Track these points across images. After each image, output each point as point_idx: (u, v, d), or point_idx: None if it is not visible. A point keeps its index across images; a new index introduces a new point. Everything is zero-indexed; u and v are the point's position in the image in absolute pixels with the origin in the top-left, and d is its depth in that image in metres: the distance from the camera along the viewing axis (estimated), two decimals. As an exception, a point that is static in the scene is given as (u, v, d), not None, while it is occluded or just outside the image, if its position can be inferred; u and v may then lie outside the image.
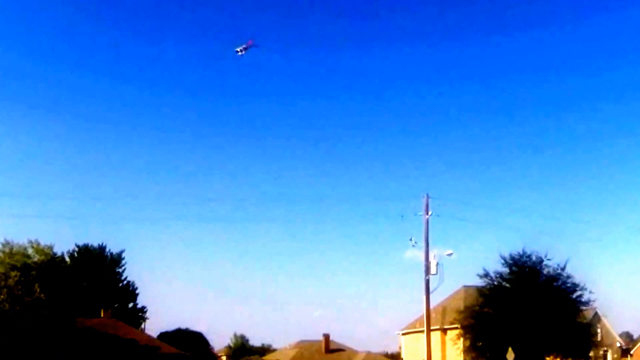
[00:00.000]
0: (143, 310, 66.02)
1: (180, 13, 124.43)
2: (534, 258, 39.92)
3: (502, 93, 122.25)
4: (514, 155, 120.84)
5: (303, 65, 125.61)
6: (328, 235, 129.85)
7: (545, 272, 39.98)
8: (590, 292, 39.56)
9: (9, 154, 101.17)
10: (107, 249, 65.70)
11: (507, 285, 39.91)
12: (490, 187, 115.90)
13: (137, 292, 66.21)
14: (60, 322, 41.90)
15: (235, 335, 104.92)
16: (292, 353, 78.37)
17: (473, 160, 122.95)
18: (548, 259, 39.88)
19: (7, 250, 56.13)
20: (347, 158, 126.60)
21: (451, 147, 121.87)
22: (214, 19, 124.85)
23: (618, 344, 68.08)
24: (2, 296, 40.97)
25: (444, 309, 51.80)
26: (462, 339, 42.85)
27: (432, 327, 40.30)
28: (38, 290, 42.81)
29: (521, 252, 40.01)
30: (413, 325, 55.93)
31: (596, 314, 59.15)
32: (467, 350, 42.36)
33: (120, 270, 66.07)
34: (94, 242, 65.23)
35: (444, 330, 50.58)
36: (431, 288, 36.96)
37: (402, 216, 38.62)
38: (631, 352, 71.54)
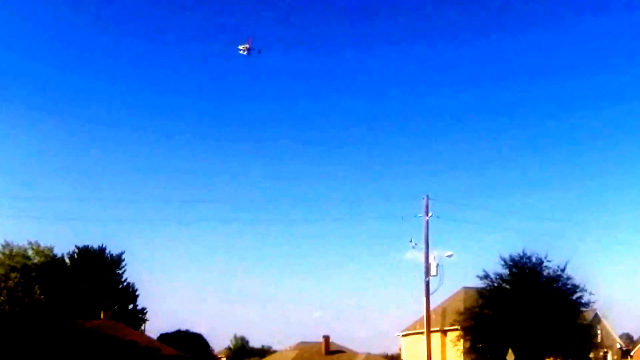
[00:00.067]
0: (143, 311, 66.03)
1: (181, 14, 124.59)
2: (534, 259, 39.99)
3: (502, 94, 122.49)
4: (514, 157, 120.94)
5: (302, 66, 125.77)
6: (328, 236, 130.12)
7: (545, 273, 40.02)
8: (591, 293, 39.69)
9: (9, 155, 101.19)
10: (107, 251, 65.75)
11: (507, 286, 39.94)
12: (490, 188, 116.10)
13: (137, 293, 66.25)
14: (61, 324, 41.89)
15: (235, 336, 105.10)
16: (292, 355, 78.34)
17: (473, 161, 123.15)
18: (548, 261, 40.00)
19: (7, 251, 56.14)
20: (347, 159, 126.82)
21: (451, 148, 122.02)
22: (214, 20, 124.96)
23: (618, 345, 68.09)
24: (1, 297, 40.97)
25: (444, 311, 51.78)
26: (462, 340, 42.84)
27: (432, 329, 40.29)
28: (38, 291, 42.81)
29: (521, 254, 40.12)
30: (413, 326, 55.91)
31: (596, 315, 59.17)
32: (467, 352, 42.35)
33: (120, 271, 66.08)
34: (94, 244, 65.33)
35: (444, 332, 50.56)
36: (431, 289, 36.99)
37: (402, 217, 38.74)
38: (631, 354, 71.53)
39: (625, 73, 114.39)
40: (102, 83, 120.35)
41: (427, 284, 36.77)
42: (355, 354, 77.46)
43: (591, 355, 43.90)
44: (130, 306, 65.28)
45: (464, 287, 52.21)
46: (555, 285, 39.55)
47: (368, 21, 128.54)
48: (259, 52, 33.48)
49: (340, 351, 77.23)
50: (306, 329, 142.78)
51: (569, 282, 39.57)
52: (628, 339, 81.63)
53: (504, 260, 40.08)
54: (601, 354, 61.48)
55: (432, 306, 40.59)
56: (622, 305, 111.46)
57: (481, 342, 39.62)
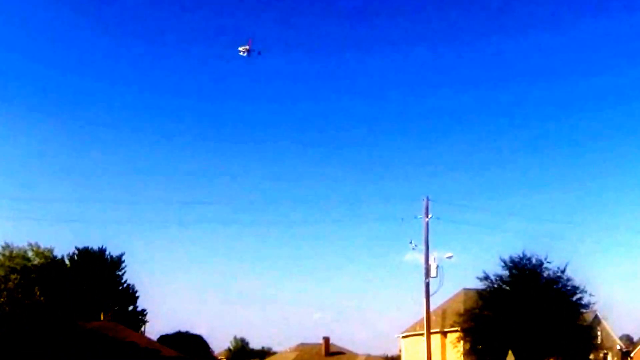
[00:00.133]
0: (143, 313, 66.04)
1: (181, 15, 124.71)
2: (534, 261, 39.97)
3: (502, 95, 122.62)
4: (514, 158, 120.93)
5: (302, 67, 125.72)
6: (328, 237, 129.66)
7: (545, 274, 40.00)
8: (591, 294, 39.67)
9: (9, 157, 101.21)
10: (107, 252, 65.74)
11: (507, 288, 39.93)
12: (490, 189, 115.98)
13: (137, 295, 66.23)
14: (61, 325, 41.93)
15: (235, 338, 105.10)
16: (292, 356, 78.33)
17: (473, 162, 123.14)
18: (548, 262, 39.97)
19: (7, 253, 56.22)
20: (347, 160, 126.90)
21: (451, 149, 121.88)
22: (214, 22, 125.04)
23: (618, 347, 68.01)
24: (2, 299, 41.02)
25: (444, 312, 51.76)
26: (462, 341, 42.83)
27: (432, 330, 40.29)
28: (38, 293, 42.88)
29: (521, 255, 40.10)
30: (413, 328, 55.88)
31: (596, 316, 59.11)
32: (467, 353, 42.34)
33: (120, 273, 66.08)
34: (94, 245, 65.31)
35: (444, 333, 50.54)
36: (431, 291, 37.02)
37: (402, 219, 38.76)
38: (631, 355, 71.45)
39: (625, 74, 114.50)
40: (102, 84, 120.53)
41: (427, 285, 36.78)
42: (355, 355, 77.46)
43: (591, 356, 43.86)
44: (130, 307, 65.27)
45: (464, 289, 52.21)
46: (555, 286, 39.54)
47: (368, 23, 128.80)
48: (259, 53, 33.53)
49: (340, 352, 77.24)
50: (306, 330, 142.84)
51: (569, 283, 39.58)
52: (628, 340, 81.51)
53: (504, 262, 40.11)
54: (601, 355, 61.39)
55: (432, 307, 40.61)
56: (622, 307, 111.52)
57: (481, 344, 39.61)
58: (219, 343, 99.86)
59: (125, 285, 65.99)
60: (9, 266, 52.83)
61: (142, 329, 64.05)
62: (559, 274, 39.71)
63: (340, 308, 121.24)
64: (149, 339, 53.83)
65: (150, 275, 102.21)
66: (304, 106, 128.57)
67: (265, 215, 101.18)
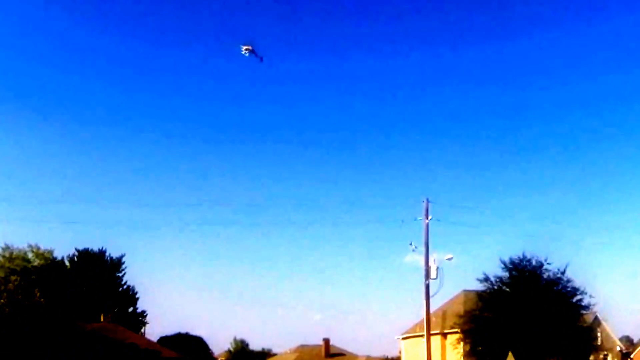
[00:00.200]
0: (143, 314, 66.07)
1: (181, 15, 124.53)
2: (533, 262, 39.96)
3: (502, 96, 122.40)
4: (514, 159, 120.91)
5: (302, 68, 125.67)
6: (328, 239, 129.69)
7: (545, 276, 39.99)
8: (591, 296, 39.66)
9: (8, 158, 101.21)
10: (107, 253, 65.77)
11: (507, 289, 39.92)
12: (490, 191, 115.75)
13: (137, 296, 66.26)
14: (61, 326, 41.93)
15: (235, 339, 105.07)
16: (292, 357, 78.45)
17: (473, 164, 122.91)
18: (548, 263, 39.95)
19: (7, 254, 56.23)
20: (346, 161, 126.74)
21: (451, 151, 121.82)
22: (215, 22, 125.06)
23: (618, 348, 68.00)
24: (1, 300, 41.01)
25: (444, 314, 51.79)
26: (462, 343, 42.83)
27: (432, 332, 40.29)
28: (38, 294, 42.86)
29: (521, 256, 40.08)
30: (413, 329, 55.91)
31: (596, 318, 59.09)
32: (467, 355, 42.35)
33: (120, 274, 66.10)
34: (94, 247, 65.35)
35: (444, 335, 50.57)
36: (431, 292, 37.04)
37: (402, 221, 38.76)
38: (631, 356, 71.45)
39: (625, 75, 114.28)
40: (102, 85, 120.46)
41: (427, 286, 36.80)
42: (355, 356, 77.52)
43: (591, 358, 43.86)
44: (130, 309, 65.30)
45: (464, 290, 52.23)
46: (555, 288, 39.53)
47: (368, 23, 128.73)
48: (261, 60, 33.27)
49: (340, 354, 77.34)
50: (306, 331, 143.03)
51: (569, 284, 39.56)
52: (628, 341, 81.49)
53: (504, 263, 40.11)
54: (601, 356, 61.38)
55: (432, 309, 40.62)
56: (622, 308, 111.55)
57: (481, 345, 39.61)
58: (219, 344, 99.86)
59: (125, 286, 66.02)
60: (9, 267, 52.83)
61: (142, 330, 64.07)
62: (559, 275, 39.72)
63: (340, 309, 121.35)
64: (149, 341, 53.85)
65: (150, 276, 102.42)
66: (303, 107, 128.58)
67: (265, 216, 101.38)
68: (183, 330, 73.64)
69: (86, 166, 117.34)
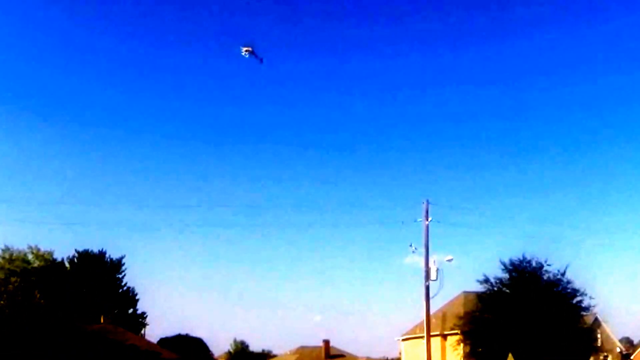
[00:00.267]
0: (143, 315, 66.04)
1: (182, 16, 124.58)
2: (534, 263, 39.99)
3: (502, 97, 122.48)
4: (514, 161, 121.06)
5: (302, 69, 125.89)
6: (328, 240, 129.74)
7: (545, 277, 40.01)
8: (591, 297, 39.72)
9: (8, 159, 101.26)
10: (107, 255, 65.75)
11: (507, 290, 39.93)
12: (490, 192, 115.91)
13: (137, 297, 66.24)
14: (61, 327, 41.96)
15: (235, 340, 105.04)
16: (292, 359, 78.43)
17: (473, 165, 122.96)
18: (548, 265, 39.99)
19: (7, 256, 56.23)
20: (347, 163, 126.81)
21: (451, 152, 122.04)
22: (215, 23, 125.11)
23: (618, 350, 67.96)
24: (2, 301, 41.02)
25: (444, 315, 51.76)
26: (462, 344, 42.84)
27: (432, 333, 40.26)
28: (38, 295, 42.88)
29: (521, 258, 40.13)
30: (413, 330, 55.86)
31: (596, 319, 59.06)
32: (467, 356, 42.35)
33: (120, 275, 66.08)
34: (94, 248, 65.30)
35: (444, 336, 50.53)
36: (431, 294, 37.01)
37: (402, 222, 38.75)
38: (631, 358, 71.43)
39: (625, 76, 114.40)
40: (102, 86, 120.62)
41: (427, 288, 36.80)
42: (355, 357, 77.55)
43: (591, 359, 43.83)
44: (130, 310, 65.27)
45: (464, 292, 52.21)
46: (555, 289, 39.54)
47: (368, 24, 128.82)
48: (261, 61, 33.31)
49: (340, 355, 77.34)
50: (306, 333, 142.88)
51: (569, 286, 39.59)
52: (628, 342, 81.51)
53: (504, 265, 40.15)
54: (601, 358, 61.32)
55: (432, 310, 40.57)
56: (622, 309, 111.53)
57: (481, 347, 39.62)
58: (219, 346, 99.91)
59: (125, 288, 65.99)
60: (9, 269, 52.85)
61: (142, 331, 64.05)
62: (559, 276, 39.75)
63: (340, 311, 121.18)
64: (149, 342, 53.82)
65: (150, 278, 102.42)
66: (303, 108, 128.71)
67: (265, 217, 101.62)
68: (183, 332, 73.69)
69: (86, 167, 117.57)
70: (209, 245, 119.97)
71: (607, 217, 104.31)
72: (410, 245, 37.59)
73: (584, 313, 41.46)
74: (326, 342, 77.67)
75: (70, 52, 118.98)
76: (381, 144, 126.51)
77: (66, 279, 57.71)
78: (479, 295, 41.44)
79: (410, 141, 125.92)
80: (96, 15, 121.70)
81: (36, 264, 56.93)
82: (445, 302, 52.88)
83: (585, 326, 43.48)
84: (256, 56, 32.42)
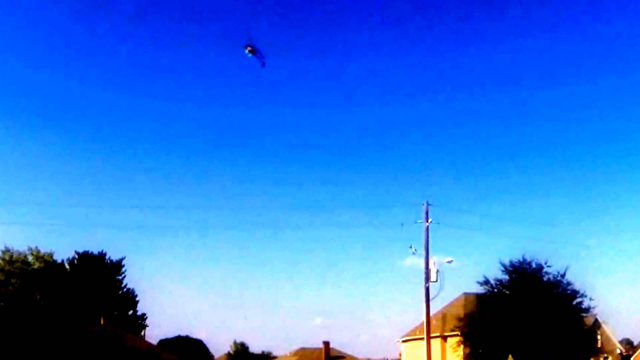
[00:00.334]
0: (143, 317, 65.99)
1: (183, 19, 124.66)
2: (533, 265, 39.97)
3: (503, 99, 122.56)
4: (514, 162, 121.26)
5: (302, 72, 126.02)
6: (328, 242, 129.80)
7: (545, 279, 39.99)
8: (591, 298, 39.67)
9: (8, 160, 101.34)
10: (107, 256, 65.70)
11: (507, 292, 39.92)
12: (490, 194, 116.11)
13: (137, 299, 66.20)
14: (61, 328, 41.94)
15: (235, 342, 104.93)
16: (292, 360, 78.31)
17: (473, 167, 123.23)
18: (548, 266, 39.97)
19: (7, 257, 56.22)
20: (347, 165, 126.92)
21: (451, 154, 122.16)
22: (215, 24, 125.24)
23: (618, 351, 67.96)
24: (1, 303, 41.02)
25: (444, 316, 51.78)
26: (462, 346, 42.82)
27: (432, 334, 40.30)
28: (38, 297, 42.87)
29: (521, 259, 40.12)
30: (413, 332, 55.87)
31: (596, 320, 59.05)
32: (467, 358, 42.28)
33: (120, 277, 66.04)
34: (94, 249, 65.27)
35: (444, 338, 50.53)
36: (431, 295, 37.07)
37: (402, 224, 38.78)
38: (631, 359, 71.43)
39: (625, 77, 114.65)
40: (101, 87, 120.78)
41: (427, 289, 36.83)
42: (355, 359, 77.52)
43: (591, 360, 43.81)
44: (130, 312, 65.23)
45: (464, 293, 52.22)
46: (555, 290, 39.52)
47: (369, 25, 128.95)
48: (263, 64, 33.21)
49: (340, 357, 77.31)
50: (306, 334, 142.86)
51: (569, 287, 39.57)
52: (628, 344, 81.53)
53: (504, 266, 40.13)
54: (601, 359, 61.34)
55: (432, 312, 40.61)
56: (622, 311, 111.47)
57: (481, 348, 39.58)
58: (219, 347, 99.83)
59: (125, 289, 65.95)
60: (9, 270, 52.84)
61: (142, 333, 64.01)
62: (559, 278, 39.73)
63: (340, 312, 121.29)
64: (149, 344, 53.79)
65: (150, 279, 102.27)
66: (303, 110, 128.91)
67: (265, 219, 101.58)
68: (183, 333, 73.65)
69: (86, 169, 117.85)
70: (209, 247, 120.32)
71: (607, 218, 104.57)
72: (410, 247, 37.71)
73: (584, 314, 41.43)
74: (326, 344, 77.63)
75: (70, 53, 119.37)
76: (381, 145, 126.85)
77: (66, 281, 57.68)
78: (479, 297, 41.44)
79: (411, 143, 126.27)
80: (97, 16, 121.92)
81: (36, 265, 56.90)
82: (446, 303, 52.95)
83: (585, 327, 43.46)
84: (258, 58, 32.35)
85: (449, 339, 49.05)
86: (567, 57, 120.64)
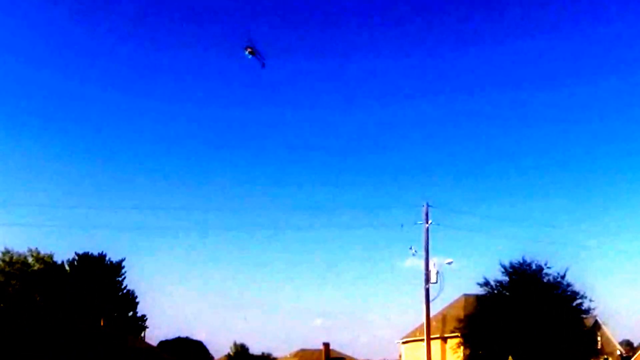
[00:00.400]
0: (143, 318, 65.98)
1: (183, 20, 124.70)
2: (533, 266, 39.98)
3: (503, 100, 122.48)
4: (514, 164, 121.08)
5: (302, 73, 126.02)
6: (328, 243, 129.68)
7: (545, 280, 40.00)
8: (591, 300, 39.68)
9: (8, 161, 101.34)
10: (107, 258, 65.71)
11: (507, 293, 39.93)
12: (490, 195, 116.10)
13: (137, 300, 66.19)
14: (61, 328, 41.94)
15: (235, 343, 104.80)
16: (292, 361, 78.29)
17: (473, 168, 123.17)
18: (548, 267, 39.98)
19: (7, 258, 56.22)
20: (347, 166, 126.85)
21: (451, 155, 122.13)
22: (215, 25, 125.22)
23: (618, 352, 67.93)
24: (1, 304, 41.01)
25: (444, 318, 51.76)
26: (462, 347, 42.80)
27: (432, 336, 40.29)
28: (38, 298, 42.87)
29: (521, 261, 40.14)
30: (413, 333, 55.86)
31: (596, 322, 59.00)
32: (467, 359, 42.31)
33: (120, 278, 66.05)
34: (94, 251, 65.28)
35: (444, 339, 50.51)
36: (431, 296, 37.07)
37: (402, 225, 38.80)
38: (631, 360, 71.40)
39: (625, 78, 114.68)
40: (102, 88, 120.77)
41: (427, 291, 36.83)
42: (355, 360, 77.45)
43: (591, 361, 43.79)
44: (130, 313, 65.23)
45: (464, 294, 52.20)
46: (555, 292, 39.51)
47: (369, 26, 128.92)
48: (263, 65, 33.21)
49: (340, 358, 77.32)
50: (306, 336, 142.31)
51: (569, 288, 39.56)
52: (628, 345, 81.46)
53: (504, 267, 40.16)
54: (601, 360, 61.35)
55: (432, 313, 40.60)
56: (622, 312, 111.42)
57: (481, 349, 39.58)
58: (219, 349, 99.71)
59: (125, 290, 65.96)
60: (9, 272, 52.84)
61: (142, 334, 64.02)
62: (559, 279, 39.73)
63: (340, 314, 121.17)
64: (148, 345, 53.79)
65: (150, 280, 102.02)
66: (304, 111, 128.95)
67: (265, 220, 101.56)
68: (183, 335, 73.68)
69: (86, 170, 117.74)
70: (209, 248, 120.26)
71: (607, 219, 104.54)
72: (411, 248, 37.74)
73: (584, 316, 41.42)
74: (326, 345, 77.61)
75: (70, 53, 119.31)
76: (381, 146, 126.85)
77: (66, 282, 57.70)
78: (479, 298, 41.44)
79: (411, 144, 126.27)
80: (97, 17, 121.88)
81: (36, 266, 56.90)
82: (446, 304, 52.93)
83: (586, 329, 43.44)
84: (258, 59, 32.35)
85: (449, 340, 49.04)
86: (567, 58, 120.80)
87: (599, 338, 59.08)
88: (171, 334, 72.80)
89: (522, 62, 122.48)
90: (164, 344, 66.05)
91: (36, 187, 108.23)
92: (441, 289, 37.13)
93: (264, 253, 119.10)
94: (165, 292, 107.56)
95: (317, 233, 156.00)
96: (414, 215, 38.29)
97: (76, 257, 64.61)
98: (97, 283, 61.31)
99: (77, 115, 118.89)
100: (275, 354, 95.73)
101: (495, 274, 40.35)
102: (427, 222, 37.49)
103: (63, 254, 63.79)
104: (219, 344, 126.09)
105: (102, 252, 65.52)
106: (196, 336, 75.88)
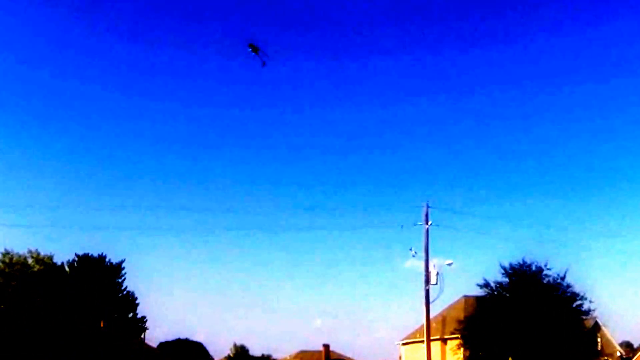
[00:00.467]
0: (143, 320, 65.83)
1: (183, 19, 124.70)
2: (533, 267, 40.02)
3: (503, 100, 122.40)
4: (515, 164, 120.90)
5: (303, 73, 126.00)
6: (328, 244, 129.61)
7: (545, 281, 40.03)
8: (591, 301, 39.73)
9: (8, 162, 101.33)
10: (107, 259, 65.58)
11: (507, 294, 39.95)
12: (490, 196, 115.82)
13: (137, 302, 66.05)
14: (61, 331, 41.97)
15: (235, 344, 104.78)
16: (292, 363, 78.26)
17: (473, 169, 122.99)
18: (548, 269, 40.03)
19: (6, 260, 56.15)
20: (347, 167, 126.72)
21: (451, 155, 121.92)
22: (215, 25, 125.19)
23: (618, 354, 67.88)
24: (1, 306, 40.97)
25: (444, 319, 51.76)
26: (462, 348, 42.81)
27: (432, 337, 40.32)
28: (38, 299, 42.83)
29: (521, 262, 40.17)
30: (413, 335, 55.86)
31: (596, 323, 59.00)
32: (467, 360, 42.37)
33: (120, 280, 65.93)
34: (94, 252, 65.14)
35: (444, 340, 50.51)
36: (431, 298, 37.12)
37: (402, 226, 38.84)
38: (632, 361, 71.35)
39: (627, 78, 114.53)
40: (101, 88, 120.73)
41: (427, 292, 36.86)
42: (355, 362, 77.41)
43: (591, 363, 43.81)
44: (130, 314, 65.11)
45: (464, 296, 52.23)
46: (555, 293, 39.54)
47: (369, 27, 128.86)
48: (264, 64, 33.23)
49: (340, 359, 77.22)
50: (306, 337, 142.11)
51: (569, 290, 39.61)
52: (628, 346, 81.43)
53: (504, 269, 40.19)
54: (601, 362, 61.32)
55: (432, 314, 40.66)
56: (622, 313, 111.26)
57: (481, 351, 39.59)
58: (219, 350, 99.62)
59: (125, 292, 65.83)
60: (8, 273, 52.75)
61: (142, 336, 63.93)
62: (559, 280, 39.77)
63: (340, 315, 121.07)
64: (148, 346, 53.81)
65: (150, 282, 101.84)
66: (304, 111, 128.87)
67: (265, 220, 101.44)
68: (183, 336, 73.53)
69: (86, 170, 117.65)
70: (209, 248, 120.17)
71: (607, 220, 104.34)
72: (410, 249, 37.81)
73: (584, 317, 41.46)
74: (326, 346, 77.61)
75: (70, 53, 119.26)
76: (381, 146, 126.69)
77: (66, 283, 57.60)
78: (479, 299, 41.45)
79: (411, 144, 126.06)
80: (96, 16, 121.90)
81: (36, 268, 56.79)
82: (446, 306, 52.95)
83: (586, 330, 43.48)
84: (260, 57, 32.36)
85: (449, 341, 49.03)
86: (567, 58, 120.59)
87: (599, 339, 59.07)
88: (171, 336, 72.68)
89: (522, 62, 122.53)
90: (164, 345, 65.98)
91: (36, 187, 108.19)
92: (441, 290, 37.25)
93: (264, 253, 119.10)
94: (165, 293, 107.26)
95: (317, 233, 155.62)
96: (414, 215, 38.40)
97: (76, 258, 64.51)
98: (97, 284, 61.18)
99: (77, 115, 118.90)
100: (275, 355, 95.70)
101: (496, 275, 40.46)
102: (427, 223, 37.55)
103: (63, 255, 63.57)
104: (219, 345, 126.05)
105: (102, 253, 65.42)
106: (196, 337, 75.79)
